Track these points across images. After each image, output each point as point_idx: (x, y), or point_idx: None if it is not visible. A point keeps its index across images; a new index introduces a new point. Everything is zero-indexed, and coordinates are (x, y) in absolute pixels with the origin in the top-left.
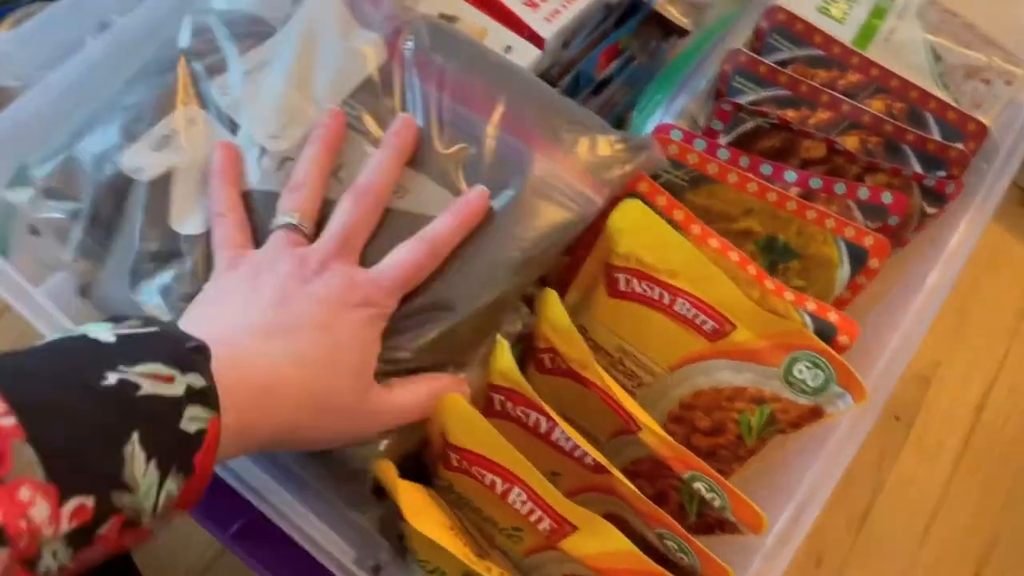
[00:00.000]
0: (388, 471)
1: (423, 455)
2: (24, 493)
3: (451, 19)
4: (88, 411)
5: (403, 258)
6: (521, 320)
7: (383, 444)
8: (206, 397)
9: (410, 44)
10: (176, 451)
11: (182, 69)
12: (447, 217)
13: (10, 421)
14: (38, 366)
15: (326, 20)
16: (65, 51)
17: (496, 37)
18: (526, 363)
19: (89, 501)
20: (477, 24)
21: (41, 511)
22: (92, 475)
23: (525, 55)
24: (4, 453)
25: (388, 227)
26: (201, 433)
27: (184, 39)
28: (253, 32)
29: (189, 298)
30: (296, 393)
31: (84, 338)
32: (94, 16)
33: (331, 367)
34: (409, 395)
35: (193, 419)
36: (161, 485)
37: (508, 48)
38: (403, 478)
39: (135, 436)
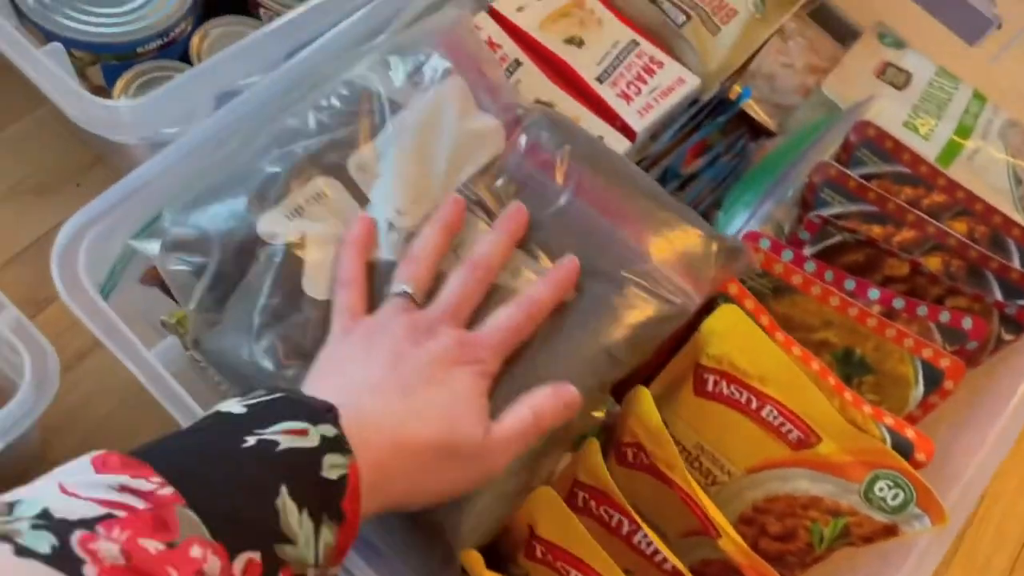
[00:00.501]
0: (475, 562)
1: (501, 542)
2: (195, 551)
3: (547, 105)
4: (235, 472)
5: (503, 320)
6: (605, 408)
7: (473, 506)
8: (340, 444)
9: (527, 132)
10: (324, 499)
11: (317, 140)
12: (541, 284)
13: (168, 491)
14: (182, 443)
15: (450, 103)
16: (192, 115)
17: (589, 126)
18: (605, 453)
19: (256, 555)
20: (571, 112)
21: (214, 567)
22: (253, 531)
23: (616, 146)
24: (169, 519)
25: (496, 303)
26: (343, 479)
27: (320, 112)
28: (381, 109)
29: (303, 354)
30: (423, 445)
31: (217, 414)
32: (224, 83)
33: (452, 418)
34: (517, 420)
35: (333, 466)
36: (318, 534)
37: (601, 138)
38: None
39: (284, 489)
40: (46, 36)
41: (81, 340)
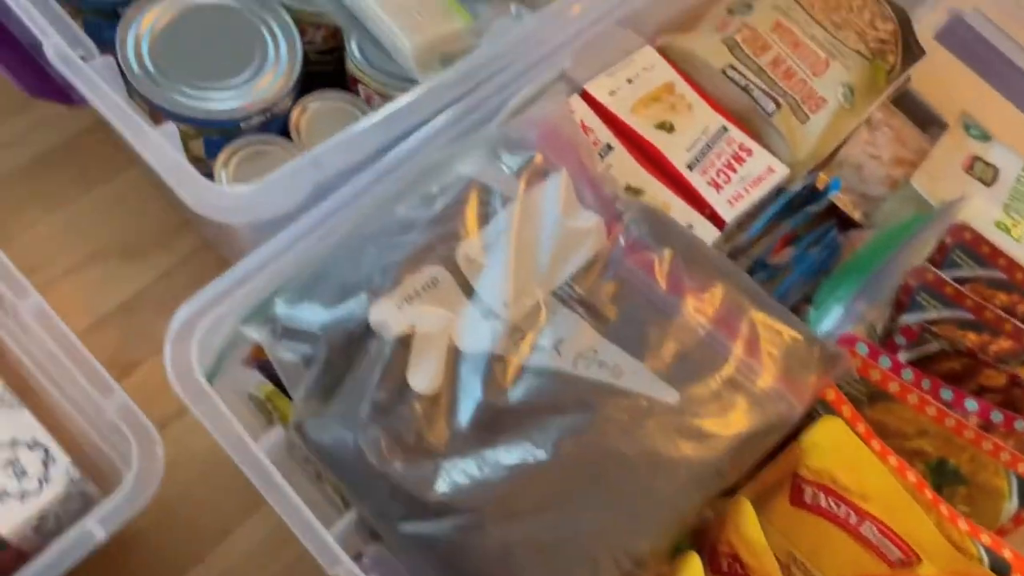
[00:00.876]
0: None
1: None
2: None
3: (637, 192)
4: None
5: None
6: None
7: None
8: None
9: (628, 230)
10: None
11: (427, 231)
12: None
13: None
14: None
15: (554, 200)
16: (297, 199)
17: (678, 213)
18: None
19: None
20: (660, 198)
21: None
22: None
23: (705, 234)
24: None
25: (600, 403)
26: None
27: (429, 202)
28: (489, 202)
29: (406, 448)
30: None
31: None
32: (331, 170)
33: None
34: None
35: None
36: None
37: (690, 226)
38: None
39: None
40: (153, 109)
41: (164, 408)
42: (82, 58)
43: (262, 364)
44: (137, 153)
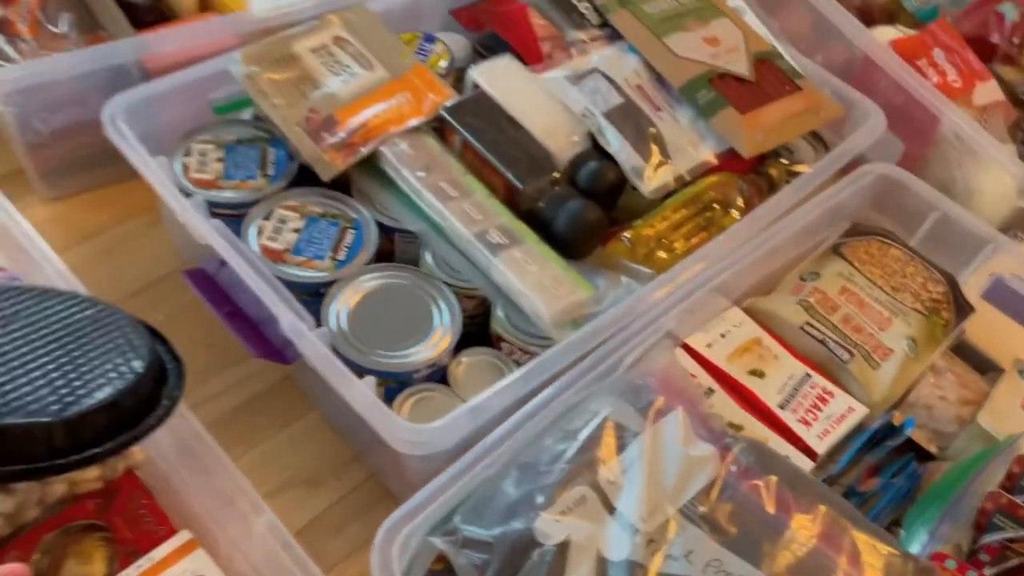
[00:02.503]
0: None
1: None
2: None
3: (738, 427)
4: None
5: None
6: None
7: None
8: None
9: (738, 459)
10: None
11: (575, 458)
12: None
13: None
14: None
15: (675, 433)
16: (464, 436)
17: (775, 445)
18: None
19: None
20: (759, 433)
21: None
22: None
23: (800, 464)
24: None
25: None
26: None
27: (574, 435)
28: (622, 435)
29: None
30: None
31: None
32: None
33: None
34: None
35: None
36: None
37: (787, 457)
38: None
39: None
40: (349, 365)
41: None
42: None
43: (445, 570)
44: (320, 398)
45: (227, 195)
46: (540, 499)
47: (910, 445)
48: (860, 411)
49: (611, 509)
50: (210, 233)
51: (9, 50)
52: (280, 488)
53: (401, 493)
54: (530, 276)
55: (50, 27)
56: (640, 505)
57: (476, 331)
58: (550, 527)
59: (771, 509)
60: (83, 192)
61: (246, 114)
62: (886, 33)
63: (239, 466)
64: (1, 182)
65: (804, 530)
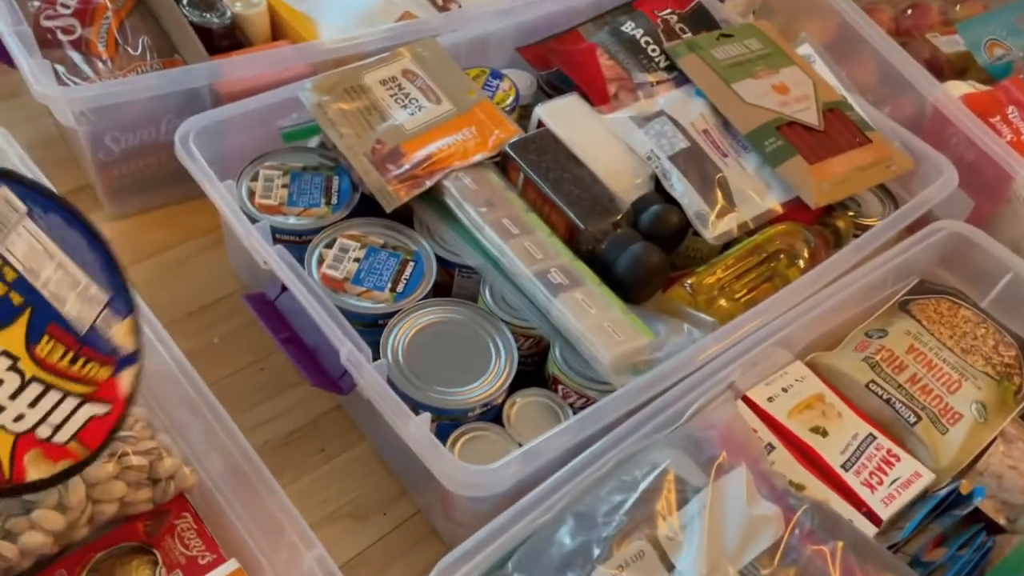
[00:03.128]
0: None
1: None
2: None
3: (799, 487)
4: None
5: None
6: None
7: None
8: None
9: (802, 522)
10: None
11: (634, 511)
12: None
13: None
14: None
15: (738, 491)
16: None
17: (838, 507)
18: None
19: None
20: (821, 495)
21: None
22: None
23: (863, 529)
24: None
25: None
26: None
27: (632, 487)
28: (683, 489)
29: None
30: None
31: None
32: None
33: None
34: None
35: None
36: None
37: (850, 521)
38: None
39: None
40: (404, 399)
41: None
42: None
43: None
44: (372, 430)
45: (291, 221)
46: (596, 551)
47: (976, 515)
48: (927, 477)
49: (670, 567)
50: (273, 259)
51: (87, 69)
52: (325, 520)
53: (448, 533)
54: (590, 318)
55: (128, 49)
56: (700, 564)
57: (532, 371)
58: None
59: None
60: (148, 211)
61: (313, 142)
62: (958, 87)
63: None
64: (69, 198)
65: None
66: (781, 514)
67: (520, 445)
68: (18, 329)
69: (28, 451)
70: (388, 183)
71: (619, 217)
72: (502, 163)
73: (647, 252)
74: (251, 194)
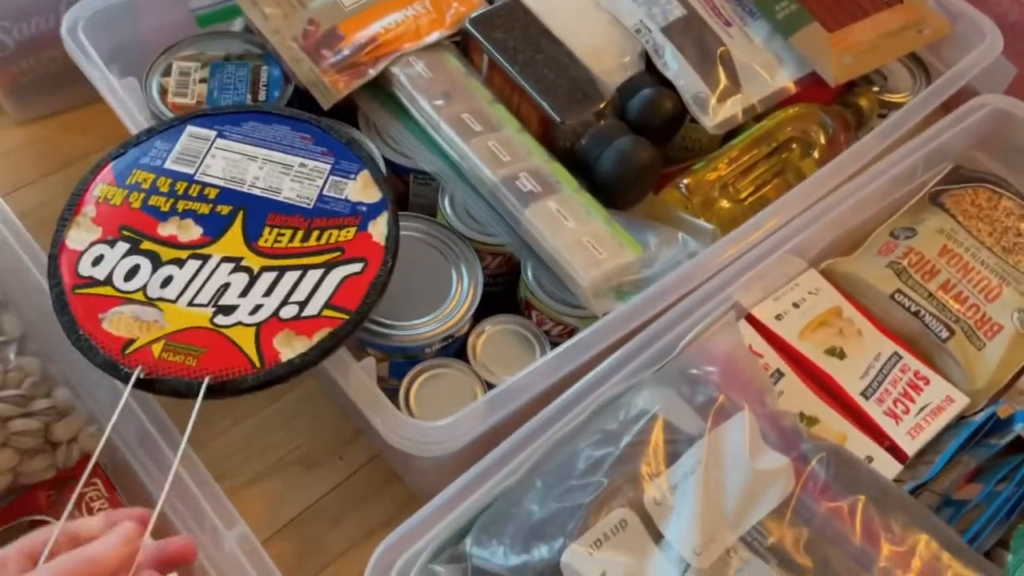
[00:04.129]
0: None
1: None
2: None
3: (812, 420)
4: None
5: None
6: None
7: None
8: None
9: (816, 474)
10: None
11: (613, 470)
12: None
13: None
14: None
15: (740, 441)
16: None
17: (855, 443)
18: None
19: None
20: (836, 429)
21: None
22: None
23: (885, 467)
24: None
25: None
26: None
27: (613, 440)
28: (674, 441)
29: None
30: None
31: None
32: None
33: None
34: None
35: None
36: None
37: (869, 459)
38: None
39: None
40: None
41: None
42: None
43: None
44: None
45: None
46: (570, 524)
47: (1018, 444)
48: (960, 401)
49: (657, 537)
50: None
51: None
52: (270, 470)
53: (411, 481)
54: (566, 232)
55: None
56: (694, 533)
57: (500, 294)
58: (581, 562)
59: (856, 539)
60: (58, 113)
61: (236, 25)
62: None
63: (221, 443)
64: None
65: (898, 568)
66: (791, 465)
67: (487, 383)
68: (233, 234)
69: (275, 335)
70: (323, 73)
71: (602, 105)
72: (462, 43)
73: (635, 147)
74: (163, 92)
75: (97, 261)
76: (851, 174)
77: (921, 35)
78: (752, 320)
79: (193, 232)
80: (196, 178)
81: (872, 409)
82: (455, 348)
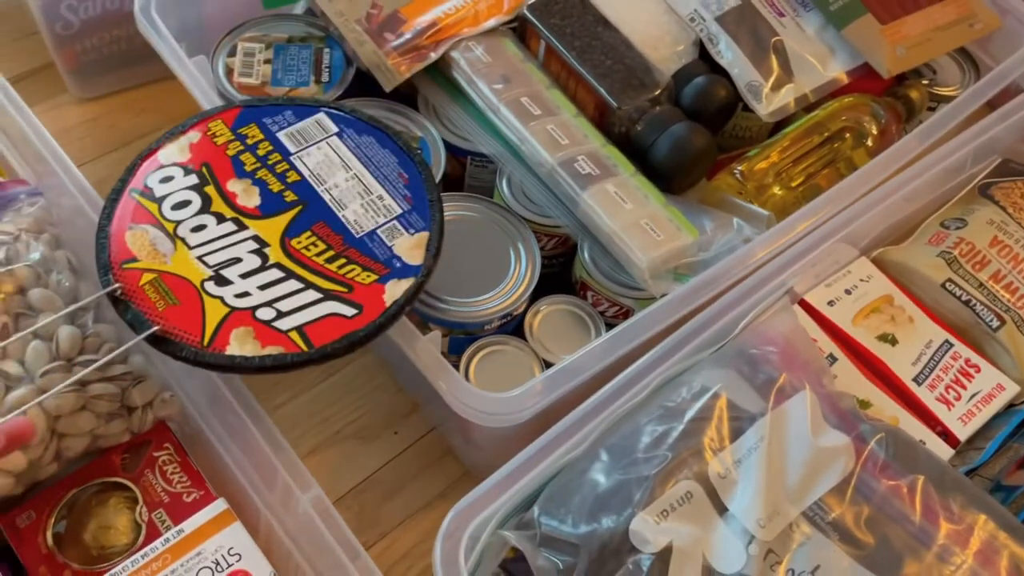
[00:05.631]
0: None
1: None
2: None
3: (865, 404)
4: None
5: None
6: None
7: None
8: None
9: (876, 454)
10: None
11: (679, 444)
12: None
13: None
14: None
15: (803, 419)
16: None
17: (907, 427)
18: None
19: None
20: (889, 412)
21: None
22: None
23: (937, 451)
24: None
25: None
26: None
27: (678, 417)
28: (737, 418)
29: None
30: None
31: None
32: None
33: None
34: None
35: None
36: None
37: (921, 442)
38: None
39: None
40: (415, 314)
41: None
42: None
43: (508, 568)
44: (378, 343)
45: None
46: (636, 495)
47: None
48: (1011, 389)
49: (722, 509)
50: None
51: None
52: (327, 443)
53: (467, 454)
54: (624, 214)
55: None
56: (758, 507)
57: (557, 274)
58: (648, 530)
59: (916, 517)
60: (120, 92)
61: (299, 8)
62: None
63: (279, 416)
64: (26, 80)
65: (956, 546)
66: (851, 444)
67: (544, 361)
68: (281, 221)
69: (237, 327)
70: (386, 56)
71: (658, 92)
72: (520, 29)
73: (690, 133)
74: (229, 72)
75: (166, 180)
76: (902, 165)
77: (972, 29)
78: (805, 305)
79: (252, 200)
80: (290, 158)
81: (924, 395)
82: (512, 326)
